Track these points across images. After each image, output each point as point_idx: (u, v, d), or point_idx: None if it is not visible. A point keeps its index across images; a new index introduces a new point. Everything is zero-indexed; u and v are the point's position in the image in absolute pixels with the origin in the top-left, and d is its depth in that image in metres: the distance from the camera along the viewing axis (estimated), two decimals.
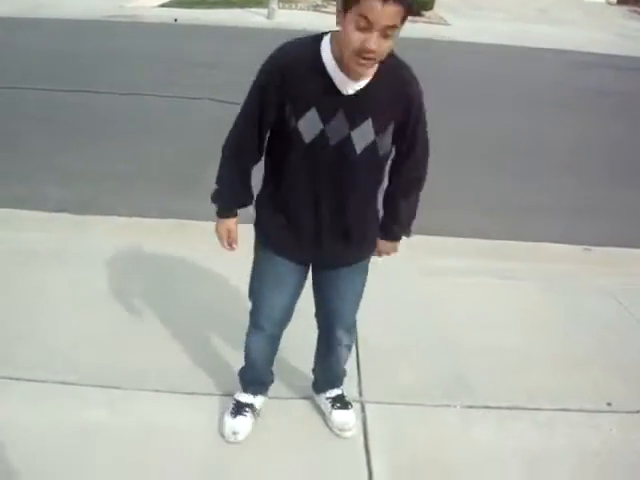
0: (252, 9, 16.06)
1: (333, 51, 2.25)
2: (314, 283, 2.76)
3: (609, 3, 26.75)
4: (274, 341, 2.89)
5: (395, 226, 2.69)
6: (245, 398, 2.99)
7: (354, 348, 3.49)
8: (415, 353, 3.61)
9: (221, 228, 2.62)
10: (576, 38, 15.89)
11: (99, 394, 3.09)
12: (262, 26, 14.04)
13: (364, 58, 2.13)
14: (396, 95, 2.35)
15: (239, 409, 2.95)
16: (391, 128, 2.39)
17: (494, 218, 5.56)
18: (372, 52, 2.11)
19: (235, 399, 3.00)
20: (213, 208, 2.61)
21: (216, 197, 2.59)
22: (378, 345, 3.62)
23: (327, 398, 3.05)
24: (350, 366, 3.36)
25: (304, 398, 3.17)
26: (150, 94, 8.34)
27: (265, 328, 2.80)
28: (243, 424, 2.92)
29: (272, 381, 3.06)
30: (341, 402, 3.03)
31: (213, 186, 2.57)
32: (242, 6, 16.34)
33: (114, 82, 8.75)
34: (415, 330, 3.80)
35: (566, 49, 14.27)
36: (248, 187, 2.57)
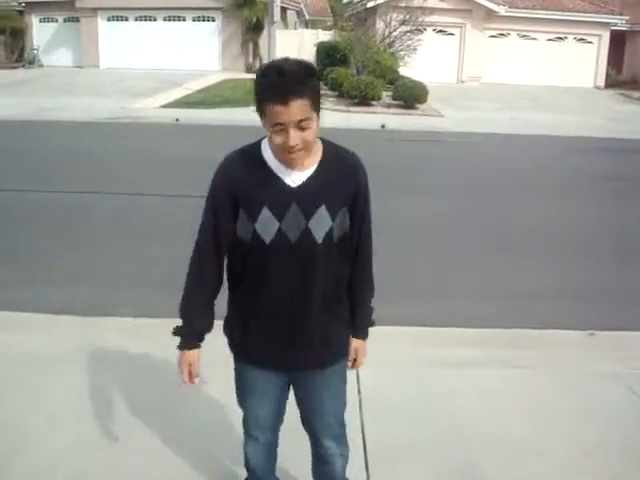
0: (249, 107, 16.45)
1: (272, 149, 2.34)
2: (295, 392, 2.72)
3: (597, 88, 27.44)
4: (270, 447, 2.83)
5: (365, 318, 2.67)
6: None
7: (361, 444, 3.45)
8: (424, 447, 3.54)
9: (182, 362, 2.56)
10: (568, 123, 16.23)
11: None
12: (257, 122, 14.35)
13: (293, 153, 2.25)
14: (343, 180, 2.41)
15: None
16: (345, 212, 2.42)
17: (498, 305, 5.56)
18: (295, 147, 2.23)
19: None
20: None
21: (179, 330, 2.56)
22: (386, 440, 3.56)
23: None
24: (358, 464, 3.30)
25: None
26: (151, 194, 8.48)
27: (256, 436, 2.75)
28: None
29: None
30: None
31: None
32: (243, 106, 16.74)
33: (116, 183, 8.91)
34: (423, 423, 3.74)
35: (560, 135, 14.55)
36: (210, 314, 2.55)
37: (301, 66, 2.26)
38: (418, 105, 18.29)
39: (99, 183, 8.84)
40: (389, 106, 18.12)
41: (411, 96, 18.13)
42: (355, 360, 2.69)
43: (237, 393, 2.73)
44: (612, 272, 6.50)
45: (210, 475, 3.27)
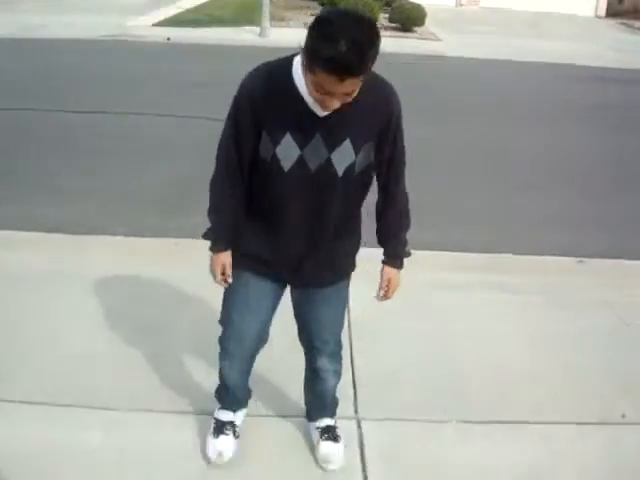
0: (245, 27, 16.11)
1: (305, 82, 2.18)
2: (293, 304, 2.72)
3: (598, 17, 26.92)
4: (245, 366, 2.82)
5: (399, 249, 2.62)
6: (225, 416, 2.93)
7: (349, 363, 3.48)
8: (413, 368, 3.59)
9: (215, 264, 2.56)
10: (568, 51, 15.96)
11: (94, 416, 3.07)
12: (255, 44, 14.05)
13: (327, 109, 2.18)
14: (375, 112, 2.32)
15: (221, 428, 2.90)
16: (371, 146, 2.36)
17: (492, 232, 5.57)
18: (333, 108, 2.16)
19: (215, 418, 2.95)
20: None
21: (210, 233, 2.55)
22: (375, 360, 3.61)
23: (317, 428, 2.97)
24: (345, 382, 3.34)
25: (300, 416, 3.11)
26: (146, 113, 8.35)
27: (233, 354, 2.74)
28: (227, 444, 2.87)
29: (249, 397, 3.01)
30: (330, 433, 2.93)
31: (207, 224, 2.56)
32: (234, 25, 16.39)
33: (111, 102, 8.75)
34: (413, 344, 3.79)
35: (559, 62, 14.31)
36: (239, 220, 2.52)
37: (372, 32, 2.04)
38: (415, 28, 17.87)
39: (93, 102, 8.69)
40: (385, 29, 17.68)
41: (408, 19, 17.70)
42: (387, 291, 2.66)
43: (224, 305, 2.70)
44: (604, 201, 6.50)
45: (203, 382, 3.31)
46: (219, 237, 2.54)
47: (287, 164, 2.31)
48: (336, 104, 2.14)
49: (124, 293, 4.16)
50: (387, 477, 2.85)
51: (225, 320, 2.71)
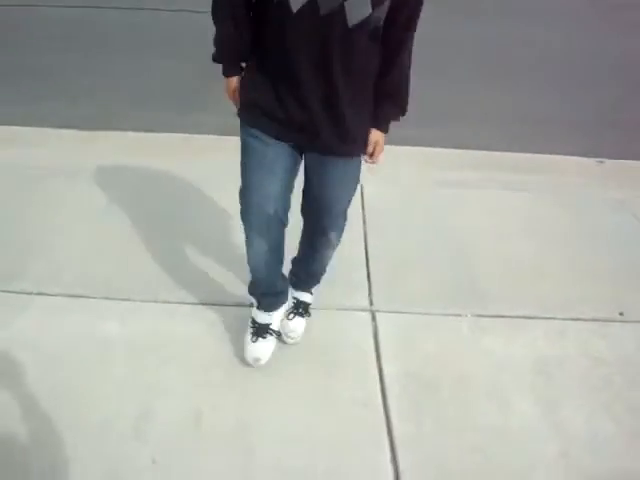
0: None
1: None
2: (305, 168, 2.59)
3: None
4: (270, 242, 2.64)
5: (386, 112, 2.49)
6: (262, 318, 2.90)
7: (364, 257, 3.49)
8: (426, 263, 3.60)
9: (229, 86, 2.52)
10: None
11: (110, 306, 3.11)
12: None
13: None
14: None
15: (258, 331, 2.88)
16: (388, 3, 2.18)
17: (507, 131, 5.45)
18: None
19: (252, 318, 2.92)
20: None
21: (217, 55, 2.46)
22: (389, 255, 3.61)
23: (294, 299, 3.03)
24: (360, 275, 3.37)
25: (318, 308, 3.13)
26: (153, 8, 8.13)
27: (253, 224, 2.58)
28: (265, 349, 2.87)
29: (285, 290, 2.96)
30: (303, 309, 3.02)
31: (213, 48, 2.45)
32: None
33: None
34: (426, 240, 3.78)
35: None
36: (246, 39, 2.37)
37: None
38: None
39: None
40: None
41: None
42: (373, 153, 2.55)
43: (242, 170, 2.53)
44: (622, 103, 6.34)
45: (218, 276, 3.33)
46: (227, 61, 2.48)
47: (295, 5, 2.13)
48: None
49: (135, 186, 4.14)
50: (402, 366, 2.88)
51: (244, 184, 2.53)
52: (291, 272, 3.05)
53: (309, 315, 3.05)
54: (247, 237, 2.63)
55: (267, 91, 2.36)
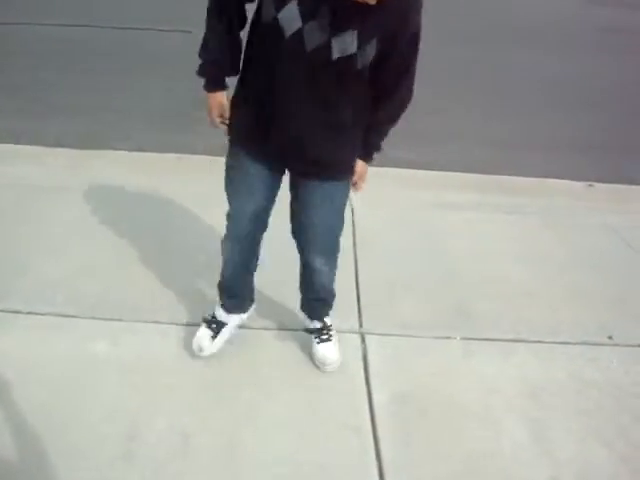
0: None
1: None
2: (291, 193, 2.64)
3: None
4: (244, 252, 2.81)
5: (371, 142, 2.55)
6: (221, 315, 2.98)
7: (354, 279, 3.49)
8: (416, 285, 3.60)
9: (211, 102, 2.50)
10: None
11: (100, 326, 3.09)
12: None
13: None
14: (388, 11, 2.11)
15: (210, 323, 2.97)
16: (376, 43, 2.19)
17: (497, 153, 5.50)
18: None
19: (212, 314, 3.01)
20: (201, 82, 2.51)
21: (202, 69, 2.46)
22: (379, 277, 3.61)
23: (312, 329, 3.03)
24: (350, 298, 3.36)
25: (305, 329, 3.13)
26: (146, 28, 8.17)
27: (233, 233, 2.73)
28: (212, 342, 2.93)
29: (252, 300, 3.03)
30: (325, 334, 3.00)
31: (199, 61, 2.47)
32: None
33: (109, 16, 8.55)
34: (416, 262, 3.79)
35: None
36: (235, 53, 2.41)
37: None
38: None
39: (92, 16, 8.49)
40: None
41: None
42: (356, 183, 2.63)
43: (225, 186, 2.63)
44: (612, 126, 6.40)
45: (191, 301, 3.32)
46: (212, 75, 2.48)
47: (288, 32, 2.17)
48: None
49: (127, 205, 4.14)
50: (391, 389, 2.87)
51: (228, 200, 2.67)
52: (300, 302, 3.06)
53: (331, 340, 3.01)
54: (224, 240, 2.78)
55: (250, 113, 2.42)
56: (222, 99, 2.51)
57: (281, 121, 2.36)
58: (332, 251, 2.81)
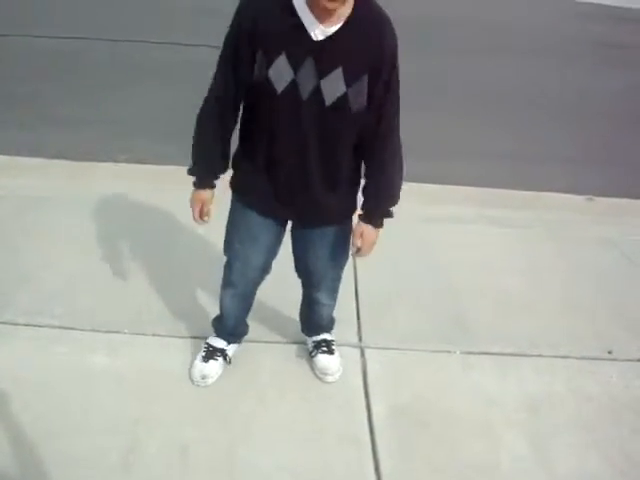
0: None
1: None
2: (292, 241, 2.71)
3: None
4: (246, 298, 2.87)
5: (376, 205, 2.53)
6: (217, 343, 2.98)
7: (353, 293, 3.51)
8: (415, 298, 3.60)
9: (196, 198, 2.54)
10: None
11: (98, 338, 3.09)
12: None
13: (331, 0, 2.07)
14: (368, 44, 2.23)
15: (211, 353, 2.94)
16: (364, 81, 2.26)
17: (496, 167, 5.50)
18: None
19: (207, 343, 2.99)
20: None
21: (193, 170, 2.52)
22: (378, 290, 3.61)
23: (313, 342, 3.06)
24: (349, 311, 3.37)
25: (301, 343, 3.16)
26: (145, 41, 8.20)
27: (236, 285, 2.78)
28: (213, 368, 2.92)
29: (245, 333, 3.04)
30: (325, 346, 3.02)
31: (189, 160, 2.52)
32: None
33: (111, 28, 8.58)
34: (415, 276, 3.80)
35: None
36: (225, 155, 2.50)
37: None
38: None
39: (94, 29, 8.51)
40: None
41: None
42: (359, 248, 2.56)
43: (227, 239, 2.71)
44: (612, 141, 6.41)
45: (196, 314, 3.32)
46: (202, 173, 2.52)
47: (280, 86, 2.25)
48: None
49: (127, 217, 4.14)
50: (390, 403, 2.87)
51: (228, 251, 2.73)
52: (300, 322, 3.09)
53: (333, 352, 3.02)
54: (223, 286, 2.83)
55: (252, 168, 2.47)
56: (206, 196, 2.53)
57: (282, 174, 2.43)
58: (336, 286, 2.87)
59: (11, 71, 6.86)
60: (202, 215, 2.56)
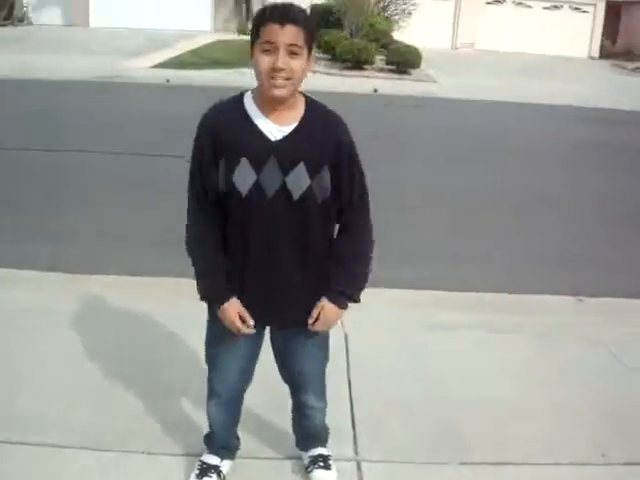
0: (241, 69, 16.25)
1: (255, 100, 2.40)
2: (272, 345, 2.73)
3: (591, 58, 27.28)
4: (232, 407, 2.84)
5: (342, 283, 2.54)
6: (211, 459, 2.93)
7: (348, 403, 3.48)
8: (409, 408, 3.57)
9: (229, 314, 2.50)
10: (564, 93, 16.14)
11: (91, 456, 3.04)
12: (249, 85, 14.19)
13: (277, 78, 2.26)
14: (325, 140, 2.41)
15: (205, 471, 2.89)
16: (326, 173, 2.41)
17: (484, 270, 5.57)
18: (282, 70, 2.26)
19: (201, 460, 2.94)
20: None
21: (206, 293, 2.54)
22: (373, 401, 3.58)
23: (309, 457, 3.00)
24: (345, 423, 3.34)
25: (303, 458, 3.08)
26: (136, 153, 8.40)
27: (220, 395, 2.77)
28: None
29: (237, 447, 2.99)
30: (322, 462, 2.95)
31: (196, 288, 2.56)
32: (234, 67, 16.50)
33: (106, 142, 8.82)
34: (411, 384, 3.77)
35: (556, 104, 14.46)
36: (226, 260, 2.51)
37: (300, 8, 2.35)
38: (411, 70, 18.04)
39: (89, 142, 8.75)
40: (382, 70, 17.91)
41: (404, 61, 17.88)
42: (316, 320, 2.55)
43: (207, 350, 2.74)
44: (601, 241, 6.52)
45: (190, 430, 3.26)
46: (219, 289, 2.51)
47: (244, 189, 2.37)
48: (283, 62, 2.25)
49: (118, 330, 4.15)
50: None
51: (209, 361, 2.75)
52: (294, 434, 3.04)
53: (330, 468, 2.96)
54: (208, 398, 2.81)
55: (229, 277, 2.49)
56: (236, 307, 2.50)
57: (258, 278, 2.49)
58: (323, 385, 2.86)
59: (4, 183, 6.99)
60: (247, 324, 2.53)
